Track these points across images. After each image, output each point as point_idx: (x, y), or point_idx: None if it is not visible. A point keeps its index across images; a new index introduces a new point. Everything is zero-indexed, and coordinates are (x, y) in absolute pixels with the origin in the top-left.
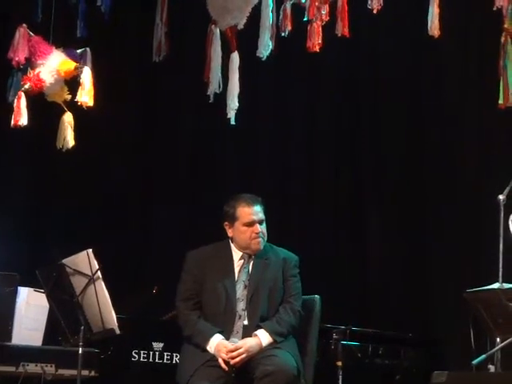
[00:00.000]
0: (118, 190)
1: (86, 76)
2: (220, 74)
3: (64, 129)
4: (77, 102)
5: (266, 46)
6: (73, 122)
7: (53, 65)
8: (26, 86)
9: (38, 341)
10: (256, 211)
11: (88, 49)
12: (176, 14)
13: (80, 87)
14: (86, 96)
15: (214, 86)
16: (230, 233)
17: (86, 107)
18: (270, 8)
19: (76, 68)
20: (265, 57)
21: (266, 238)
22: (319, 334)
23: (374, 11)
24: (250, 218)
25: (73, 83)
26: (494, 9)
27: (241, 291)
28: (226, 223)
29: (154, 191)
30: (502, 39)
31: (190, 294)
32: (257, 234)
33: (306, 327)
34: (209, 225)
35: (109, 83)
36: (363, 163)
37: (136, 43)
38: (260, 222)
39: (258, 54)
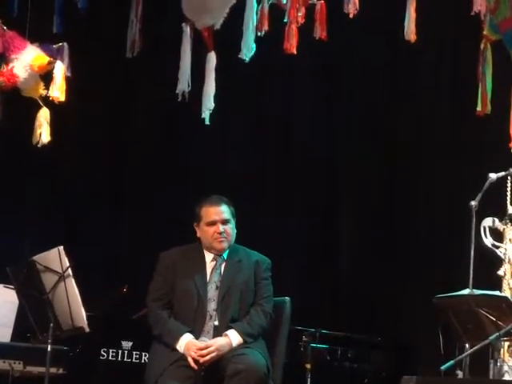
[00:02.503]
0: (90, 188)
1: (58, 71)
2: (189, 73)
3: (40, 124)
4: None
5: (249, 48)
6: (49, 118)
7: (27, 59)
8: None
9: (7, 337)
10: (219, 211)
11: (65, 44)
12: (151, 11)
13: (52, 82)
14: (57, 91)
15: (182, 85)
16: (198, 233)
17: (58, 102)
18: (255, 9)
19: (49, 63)
20: (248, 59)
21: (230, 239)
22: (289, 336)
23: (350, 15)
24: (211, 218)
25: (49, 78)
26: (472, 13)
27: (212, 292)
28: (195, 224)
29: (126, 190)
30: (482, 46)
31: (162, 293)
32: (219, 233)
33: (276, 328)
34: (180, 225)
35: (84, 79)
36: (338, 165)
37: (112, 40)
38: (223, 222)
39: (240, 56)
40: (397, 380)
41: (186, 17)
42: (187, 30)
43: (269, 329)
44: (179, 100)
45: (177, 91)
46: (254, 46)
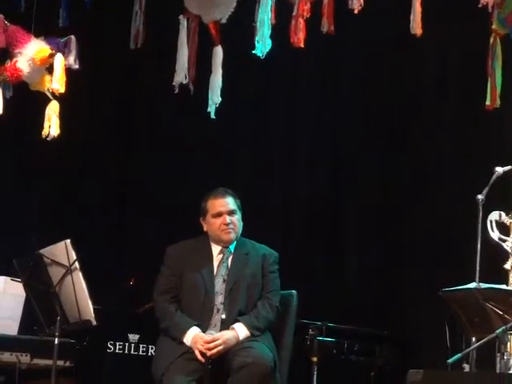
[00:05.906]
0: (95, 181)
1: (58, 63)
2: (187, 65)
3: (49, 117)
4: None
5: (265, 44)
6: (58, 111)
7: (29, 53)
8: (3, 76)
9: (14, 330)
10: (224, 203)
11: (73, 37)
12: (155, 2)
13: (52, 74)
14: (56, 83)
15: (179, 77)
16: (205, 228)
17: (59, 94)
18: (270, 4)
19: (51, 55)
20: (263, 55)
21: (237, 230)
22: (295, 329)
23: (355, 11)
24: (216, 210)
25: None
26: (480, 5)
27: (219, 285)
28: (201, 218)
29: (132, 183)
30: (491, 40)
31: (169, 287)
32: (225, 224)
33: (283, 322)
34: (187, 218)
35: (90, 72)
36: (342, 163)
37: (117, 32)
38: (229, 213)
39: (255, 52)
40: (403, 373)
41: (187, 10)
42: (184, 22)
43: (275, 322)
44: (176, 92)
45: (173, 83)
46: (270, 41)
